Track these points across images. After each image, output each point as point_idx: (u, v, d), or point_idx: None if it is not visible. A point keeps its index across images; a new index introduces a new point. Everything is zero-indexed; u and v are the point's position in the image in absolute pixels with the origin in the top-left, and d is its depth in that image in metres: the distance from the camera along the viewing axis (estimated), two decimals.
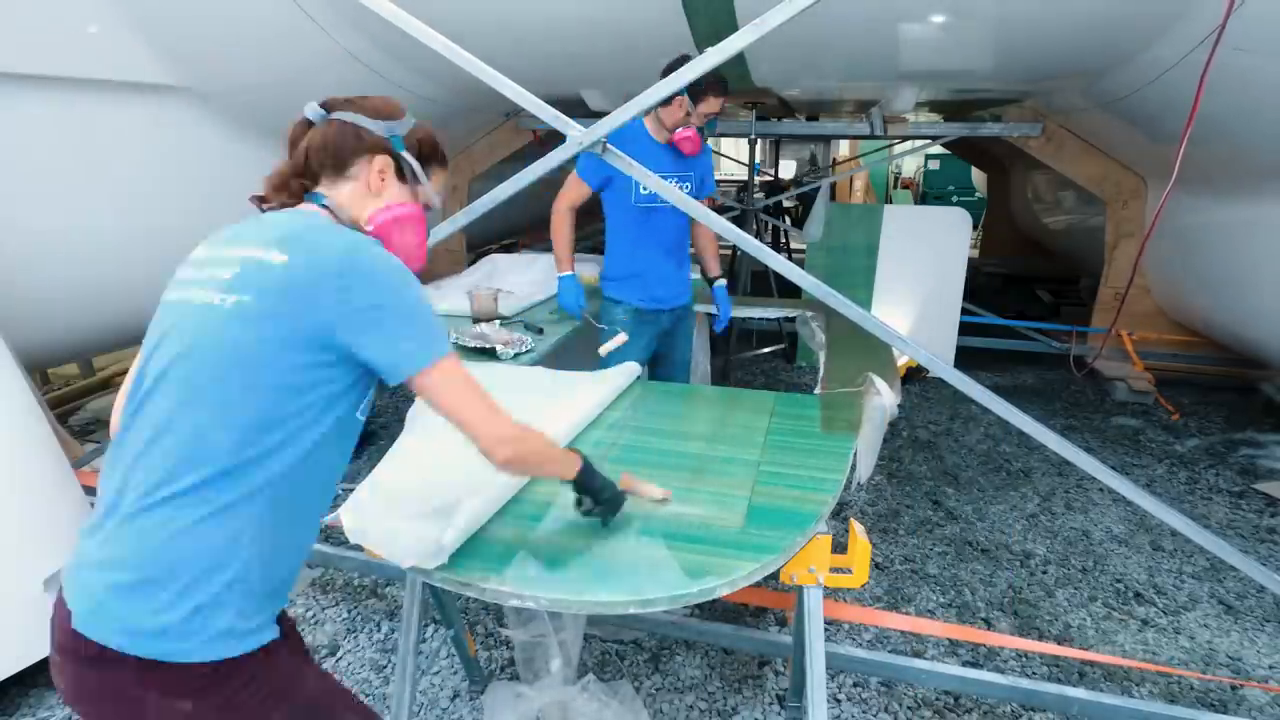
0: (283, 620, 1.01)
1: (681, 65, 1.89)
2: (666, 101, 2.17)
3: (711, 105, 2.38)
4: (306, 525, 1.01)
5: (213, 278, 0.94)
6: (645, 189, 2.46)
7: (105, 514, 0.90)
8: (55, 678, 0.93)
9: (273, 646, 0.93)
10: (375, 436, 3.64)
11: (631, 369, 2.09)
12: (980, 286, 6.79)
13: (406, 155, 1.09)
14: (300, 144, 1.07)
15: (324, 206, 1.05)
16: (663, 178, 1.91)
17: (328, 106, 1.09)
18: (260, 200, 1.07)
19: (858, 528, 1.34)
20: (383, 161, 1.07)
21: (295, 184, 1.06)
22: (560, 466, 1.15)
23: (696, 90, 2.29)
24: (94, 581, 0.87)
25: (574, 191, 2.58)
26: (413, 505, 1.29)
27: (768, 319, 4.28)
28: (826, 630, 1.82)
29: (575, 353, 2.76)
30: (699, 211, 1.92)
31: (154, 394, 0.91)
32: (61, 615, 0.89)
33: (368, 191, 1.07)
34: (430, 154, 1.14)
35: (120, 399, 1.00)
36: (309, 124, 1.08)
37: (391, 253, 1.01)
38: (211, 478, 0.87)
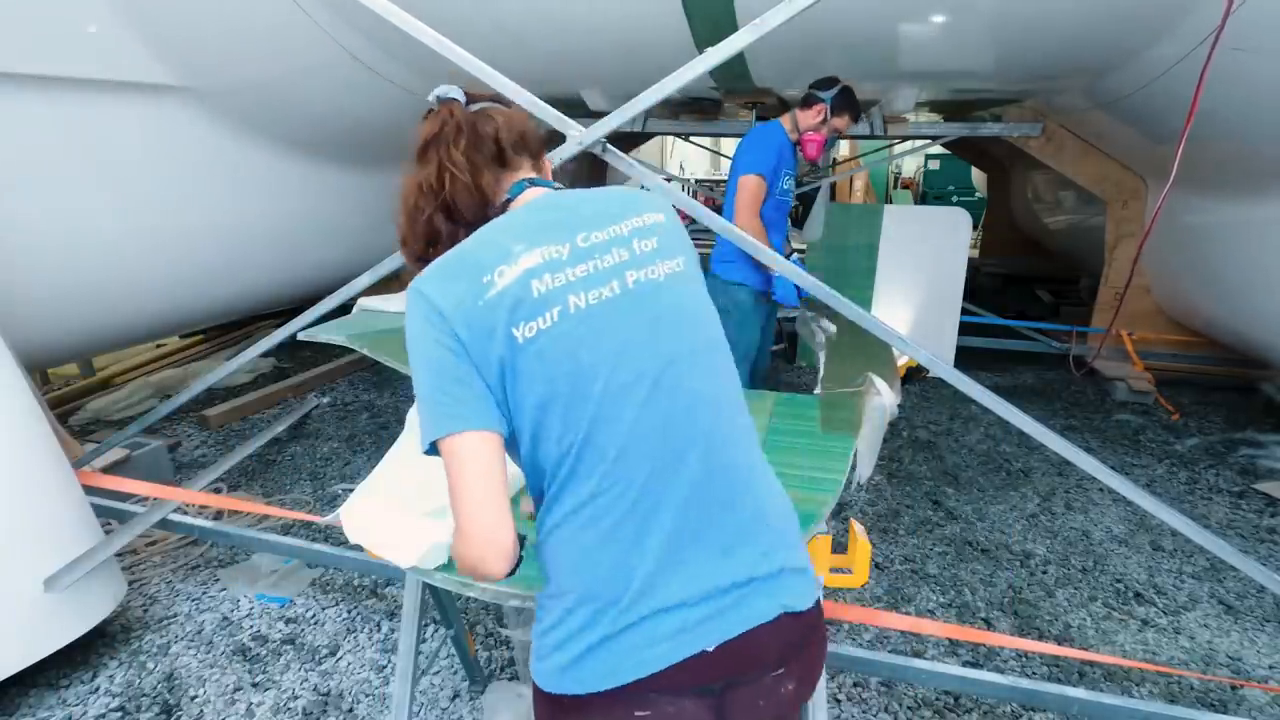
0: None
1: (832, 84, 2.61)
2: (807, 105, 2.64)
3: (842, 122, 2.72)
4: None
5: (593, 271, 0.83)
6: (786, 184, 2.79)
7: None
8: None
9: None
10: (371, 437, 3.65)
11: None
12: (980, 286, 6.80)
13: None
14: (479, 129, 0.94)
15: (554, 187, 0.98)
16: (785, 171, 2.53)
17: (469, 97, 0.98)
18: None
19: (858, 528, 1.34)
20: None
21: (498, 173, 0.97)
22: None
23: (837, 105, 2.65)
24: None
25: (760, 191, 2.68)
26: (413, 505, 1.30)
27: None
28: (827, 630, 1.82)
29: None
30: (700, 212, 1.92)
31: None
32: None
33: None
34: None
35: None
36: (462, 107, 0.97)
37: None
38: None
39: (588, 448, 0.80)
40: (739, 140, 2.87)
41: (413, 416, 1.50)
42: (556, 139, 1.93)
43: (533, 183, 0.95)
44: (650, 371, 0.82)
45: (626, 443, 0.80)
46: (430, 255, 0.89)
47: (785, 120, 2.78)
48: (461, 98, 0.95)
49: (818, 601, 0.90)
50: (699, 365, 0.86)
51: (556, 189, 0.96)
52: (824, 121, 2.69)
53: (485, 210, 0.92)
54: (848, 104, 2.69)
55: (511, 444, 0.85)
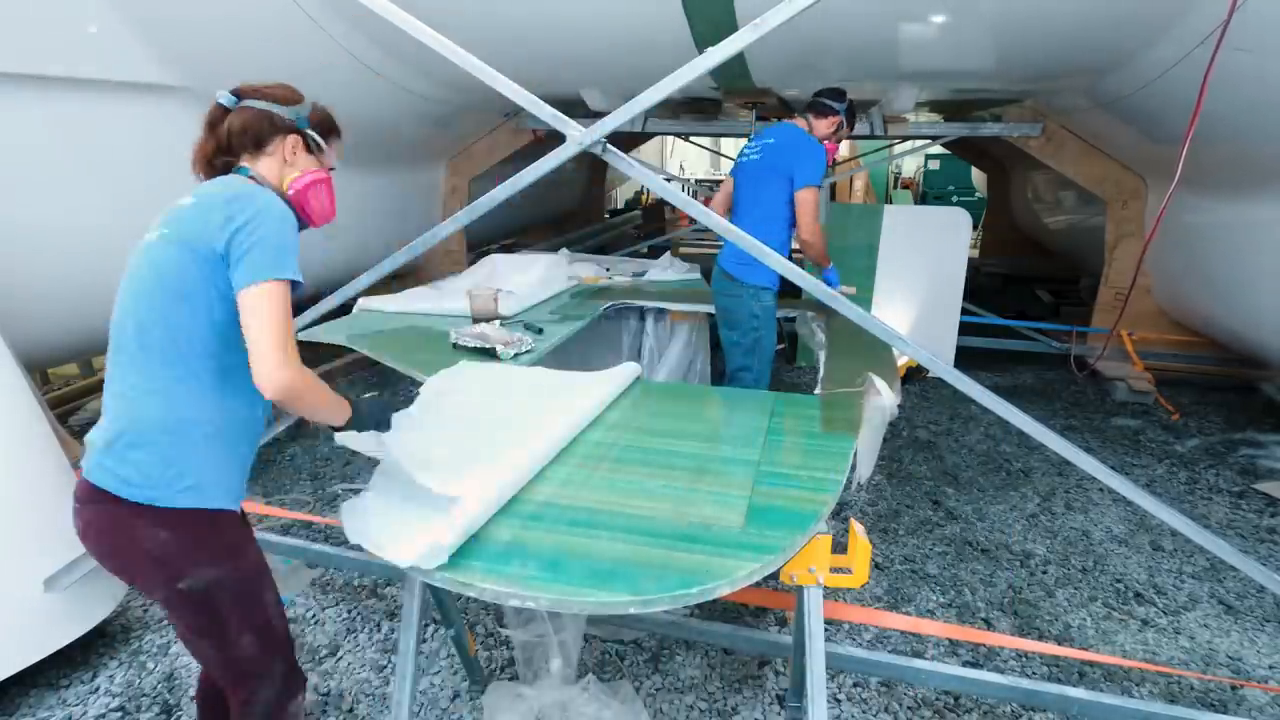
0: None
1: (842, 96, 2.75)
2: (821, 115, 2.78)
3: (846, 133, 2.87)
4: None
5: (151, 226, 1.24)
6: None
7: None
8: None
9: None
10: None
11: (632, 369, 2.08)
12: (980, 286, 6.80)
13: (311, 132, 1.34)
14: (219, 127, 1.29)
15: (250, 177, 1.28)
16: None
17: (239, 94, 1.30)
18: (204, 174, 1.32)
19: (858, 528, 1.34)
20: (294, 140, 1.32)
21: (220, 161, 1.30)
22: (330, 412, 1.26)
23: (847, 118, 2.81)
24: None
25: (819, 202, 2.79)
26: (412, 505, 1.29)
27: None
28: (826, 630, 1.82)
29: (579, 352, 2.76)
30: (698, 211, 1.93)
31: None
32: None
33: (284, 164, 1.32)
34: (328, 128, 1.39)
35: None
36: (224, 109, 1.29)
37: (310, 209, 1.33)
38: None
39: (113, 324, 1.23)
40: (767, 143, 2.79)
41: (403, 415, 1.50)
42: (555, 139, 1.93)
43: (236, 171, 1.30)
44: (127, 298, 1.22)
45: (116, 330, 1.22)
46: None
47: (804, 125, 2.80)
48: (227, 101, 1.29)
49: (114, 498, 1.16)
50: (141, 301, 1.19)
51: (246, 178, 1.28)
52: (837, 131, 2.80)
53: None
54: (852, 116, 2.87)
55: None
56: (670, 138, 12.66)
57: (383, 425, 1.40)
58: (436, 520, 1.21)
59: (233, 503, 1.26)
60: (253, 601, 1.28)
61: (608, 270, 4.10)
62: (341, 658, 2.12)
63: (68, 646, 1.95)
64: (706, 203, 2.79)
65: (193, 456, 1.18)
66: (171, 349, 1.17)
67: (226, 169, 1.30)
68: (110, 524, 1.18)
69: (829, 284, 2.69)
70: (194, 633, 1.26)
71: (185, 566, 1.19)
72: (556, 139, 1.90)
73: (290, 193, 1.31)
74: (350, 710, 1.92)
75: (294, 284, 1.18)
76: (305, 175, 1.32)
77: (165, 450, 1.16)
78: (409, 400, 1.61)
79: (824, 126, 2.78)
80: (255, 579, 1.29)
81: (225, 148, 1.29)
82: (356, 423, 1.32)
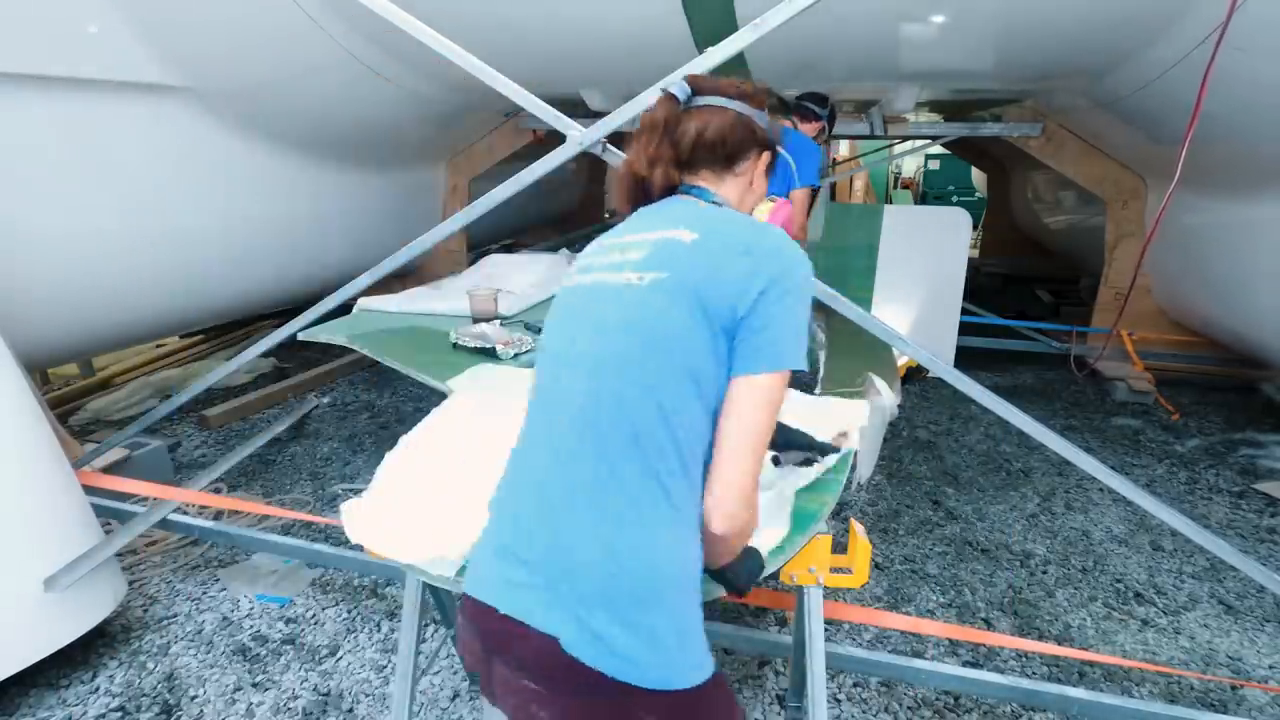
0: None
1: (824, 101, 2.87)
2: (806, 119, 2.91)
3: (826, 139, 3.08)
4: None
5: (624, 260, 0.92)
6: None
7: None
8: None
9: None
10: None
11: None
12: (980, 286, 6.79)
13: (779, 149, 1.06)
14: (677, 128, 0.99)
15: (713, 202, 0.99)
16: None
17: (696, 88, 1.01)
18: (637, 194, 1.02)
19: (858, 528, 1.34)
20: (766, 158, 1.04)
21: (675, 174, 0.99)
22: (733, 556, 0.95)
23: (832, 125, 2.97)
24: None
25: (808, 202, 2.94)
26: (416, 508, 1.29)
27: None
28: (826, 630, 1.82)
29: None
30: None
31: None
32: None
33: (749, 189, 1.04)
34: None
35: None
36: (678, 105, 0.99)
37: None
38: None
39: (538, 403, 0.93)
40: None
41: (437, 416, 1.50)
42: (555, 139, 1.93)
43: (686, 191, 1.00)
44: (587, 362, 0.89)
45: (555, 411, 0.89)
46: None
47: (790, 126, 2.90)
48: (682, 93, 0.99)
49: (615, 684, 0.79)
50: (625, 374, 0.86)
51: (712, 203, 0.99)
52: (819, 136, 2.92)
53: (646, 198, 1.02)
54: (833, 121, 3.07)
55: None
56: None
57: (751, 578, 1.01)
58: (441, 525, 1.20)
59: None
60: None
61: None
62: (341, 658, 2.12)
63: (68, 646, 1.95)
64: None
65: (696, 610, 0.87)
66: (673, 454, 0.83)
67: (676, 185, 0.99)
68: None
69: None
70: None
71: None
72: (556, 139, 1.90)
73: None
74: (350, 710, 1.92)
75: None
76: (779, 210, 1.10)
77: (678, 606, 0.84)
78: (409, 400, 1.61)
79: (808, 130, 2.88)
80: None
81: (683, 159, 0.99)
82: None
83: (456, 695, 1.96)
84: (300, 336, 2.51)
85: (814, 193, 2.93)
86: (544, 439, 0.90)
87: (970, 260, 4.74)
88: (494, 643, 0.86)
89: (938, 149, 10.24)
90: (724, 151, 0.99)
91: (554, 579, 0.83)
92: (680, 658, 0.82)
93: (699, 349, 0.84)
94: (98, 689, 1.99)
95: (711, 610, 2.27)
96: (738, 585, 0.96)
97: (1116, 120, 3.77)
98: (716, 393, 0.85)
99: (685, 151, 0.99)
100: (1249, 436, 3.71)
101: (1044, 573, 2.57)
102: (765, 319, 0.84)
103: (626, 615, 0.80)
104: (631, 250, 0.92)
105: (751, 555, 0.99)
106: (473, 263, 3.92)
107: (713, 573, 0.94)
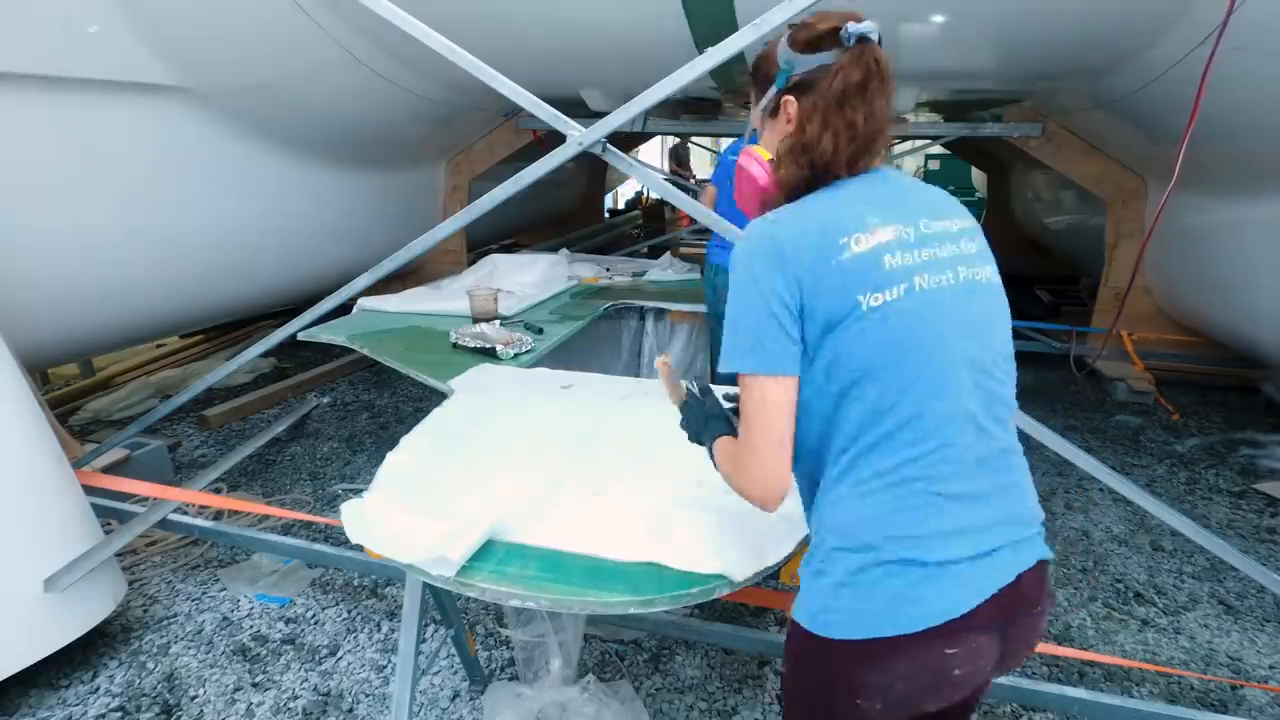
0: None
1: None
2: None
3: None
4: None
5: (935, 258, 0.90)
6: None
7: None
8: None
9: None
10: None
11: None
12: None
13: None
14: (880, 92, 0.91)
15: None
16: None
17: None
18: (842, 163, 0.92)
19: None
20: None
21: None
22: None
23: None
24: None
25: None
26: (418, 507, 1.29)
27: None
28: None
29: (579, 352, 2.76)
30: (692, 208, 1.93)
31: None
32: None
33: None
34: None
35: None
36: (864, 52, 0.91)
37: None
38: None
39: (918, 419, 0.87)
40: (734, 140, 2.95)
41: (435, 421, 1.50)
42: (555, 139, 1.93)
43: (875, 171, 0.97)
44: (966, 361, 0.90)
45: (946, 419, 0.88)
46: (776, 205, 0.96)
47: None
48: (875, 36, 0.91)
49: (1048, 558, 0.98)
50: (997, 368, 0.94)
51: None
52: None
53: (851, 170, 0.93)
54: None
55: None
56: (670, 138, 12.65)
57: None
58: (443, 525, 1.20)
59: None
60: None
61: (607, 270, 4.10)
62: (341, 658, 2.12)
63: (68, 646, 1.95)
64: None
65: None
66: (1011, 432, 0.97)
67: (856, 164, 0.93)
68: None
69: None
70: None
71: None
72: (556, 139, 1.90)
73: None
74: (350, 710, 1.92)
75: None
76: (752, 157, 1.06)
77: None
78: (409, 400, 1.61)
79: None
80: None
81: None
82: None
83: (456, 695, 1.96)
84: (300, 336, 2.51)
85: None
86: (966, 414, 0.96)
87: None
88: (1007, 613, 0.91)
89: (938, 149, 10.24)
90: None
91: (1006, 528, 0.93)
92: None
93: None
94: (98, 689, 1.99)
95: (711, 610, 2.27)
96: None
97: (1116, 120, 3.77)
98: None
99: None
100: (1249, 436, 3.71)
101: None
102: None
103: (1037, 523, 0.96)
104: (948, 242, 0.93)
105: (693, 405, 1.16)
106: (473, 263, 3.92)
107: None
